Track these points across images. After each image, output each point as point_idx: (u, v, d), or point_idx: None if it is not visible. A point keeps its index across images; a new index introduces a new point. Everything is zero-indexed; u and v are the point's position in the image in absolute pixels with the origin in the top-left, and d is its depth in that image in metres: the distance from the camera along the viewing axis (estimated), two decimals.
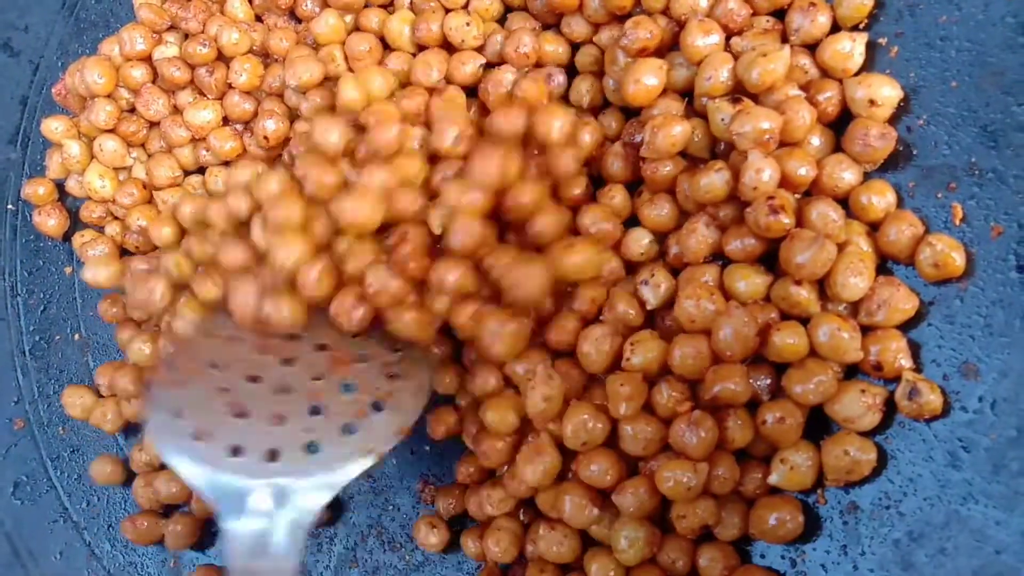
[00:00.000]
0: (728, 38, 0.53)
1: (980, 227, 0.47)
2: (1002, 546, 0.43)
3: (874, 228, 0.49)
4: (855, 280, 0.47)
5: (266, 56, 0.65)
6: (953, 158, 0.48)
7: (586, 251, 0.50)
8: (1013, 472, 0.44)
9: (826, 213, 0.48)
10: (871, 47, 0.51)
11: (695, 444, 0.47)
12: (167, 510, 0.63)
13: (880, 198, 0.49)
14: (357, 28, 0.63)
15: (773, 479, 0.48)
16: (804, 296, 0.48)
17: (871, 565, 0.47)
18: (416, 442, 0.60)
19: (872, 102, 0.49)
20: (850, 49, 0.50)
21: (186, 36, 0.66)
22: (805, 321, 0.48)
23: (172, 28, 0.67)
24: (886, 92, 0.49)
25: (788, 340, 0.47)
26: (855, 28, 0.52)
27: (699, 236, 0.50)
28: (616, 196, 0.55)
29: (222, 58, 0.65)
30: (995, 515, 0.44)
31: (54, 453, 0.68)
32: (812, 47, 0.52)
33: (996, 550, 0.43)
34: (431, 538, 0.56)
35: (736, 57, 0.51)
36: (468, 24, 0.59)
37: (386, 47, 0.63)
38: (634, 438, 0.49)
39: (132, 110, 0.67)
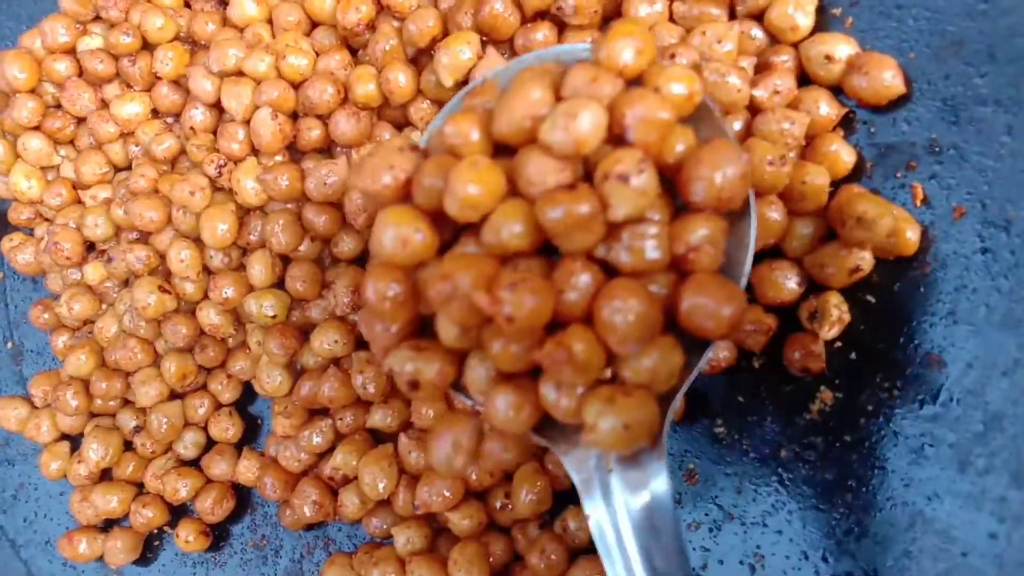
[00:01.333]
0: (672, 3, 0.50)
1: (942, 208, 0.44)
2: (968, 548, 0.41)
3: None
4: None
5: (195, 43, 0.61)
6: (912, 135, 0.45)
7: None
8: (979, 469, 0.41)
9: None
10: (824, 15, 0.48)
11: None
12: (107, 525, 0.60)
13: None
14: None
15: None
16: None
17: (834, 571, 0.44)
18: None
19: (828, 58, 0.46)
20: (792, 10, 0.47)
21: (111, 26, 0.62)
22: None
23: (97, 18, 0.63)
24: (842, 50, 0.46)
25: None
26: None
27: None
28: None
29: (149, 47, 0.61)
30: (961, 516, 0.41)
31: None
32: (759, 18, 0.49)
33: (962, 552, 0.41)
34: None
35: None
36: None
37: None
38: None
39: (58, 105, 0.63)
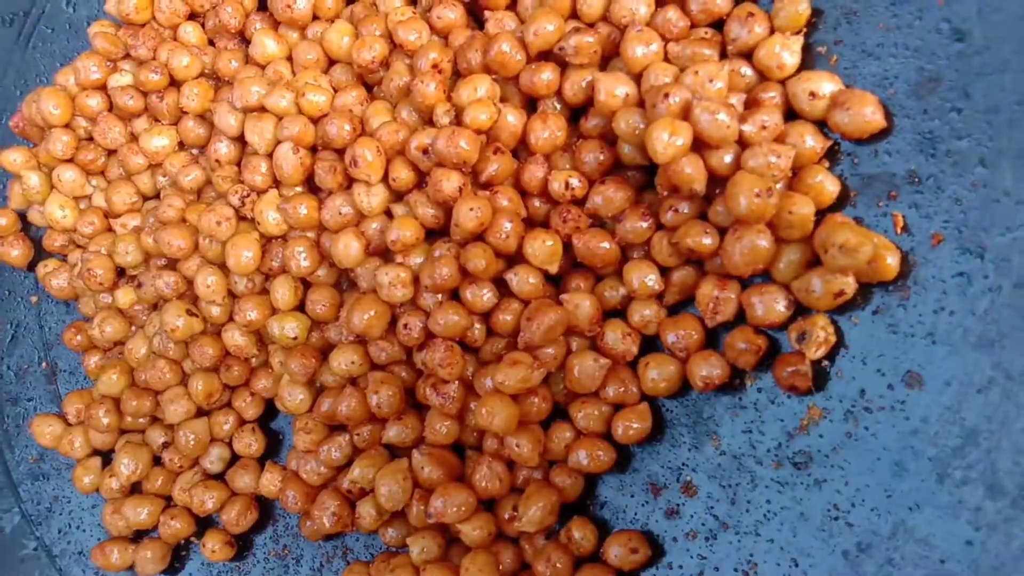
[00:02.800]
0: (667, 44, 0.53)
1: (921, 235, 0.47)
2: (947, 555, 0.43)
3: None
4: None
5: (219, 79, 0.65)
6: (893, 166, 0.48)
7: None
8: (957, 481, 0.44)
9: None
10: (810, 53, 0.51)
11: None
12: (137, 536, 0.64)
13: None
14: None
15: None
16: None
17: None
18: None
19: (812, 94, 0.49)
20: (779, 50, 0.50)
21: (140, 64, 0.66)
22: None
23: (127, 56, 0.67)
24: (826, 87, 0.49)
25: None
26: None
27: None
28: None
29: (175, 83, 0.65)
30: (940, 525, 0.44)
31: (23, 481, 0.69)
32: (749, 56, 0.52)
33: (941, 559, 0.44)
34: None
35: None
36: None
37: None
38: None
39: (90, 139, 0.67)
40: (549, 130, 0.54)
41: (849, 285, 0.46)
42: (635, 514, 0.53)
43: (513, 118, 0.54)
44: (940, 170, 0.47)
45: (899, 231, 0.47)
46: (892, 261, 0.46)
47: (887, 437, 0.46)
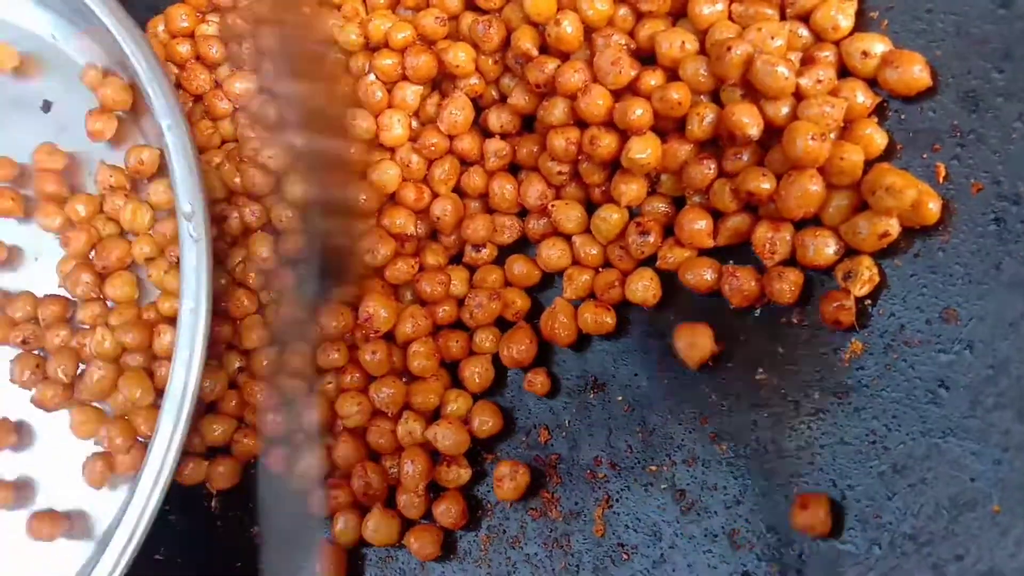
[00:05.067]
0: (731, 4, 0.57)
1: (961, 184, 0.51)
2: (976, 474, 0.47)
3: None
4: None
5: None
6: (937, 122, 0.52)
7: None
8: (988, 407, 0.48)
9: None
10: (863, 18, 0.56)
11: None
12: (210, 452, 0.68)
13: None
14: None
15: None
16: None
17: (857, 496, 0.51)
18: None
19: (865, 53, 0.53)
20: (835, 13, 0.54)
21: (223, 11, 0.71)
22: None
23: (215, 9, 0.72)
24: (877, 47, 0.53)
25: None
26: None
27: None
28: None
29: None
30: (971, 447, 0.48)
31: None
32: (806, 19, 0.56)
33: (971, 478, 0.47)
34: None
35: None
36: None
37: None
38: None
39: (178, 85, 0.72)
40: None
41: (893, 227, 0.50)
42: (682, 440, 0.58)
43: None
44: (981, 125, 0.51)
45: (941, 180, 0.51)
46: (934, 206, 0.50)
47: (924, 368, 0.50)
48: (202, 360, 0.56)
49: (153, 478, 0.55)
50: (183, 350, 0.56)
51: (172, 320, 0.63)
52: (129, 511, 0.55)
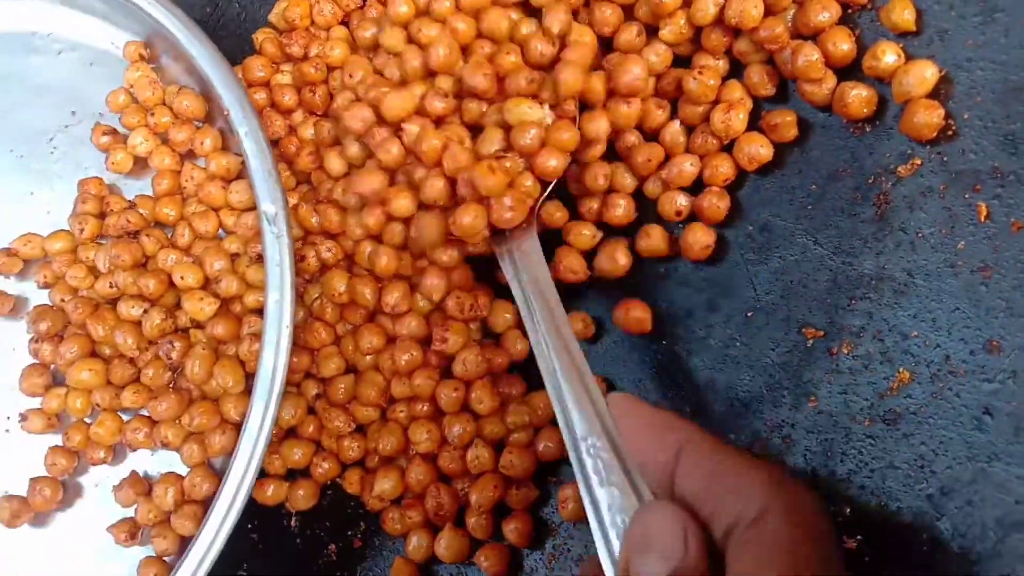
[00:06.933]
0: None
1: (1002, 223, 0.54)
2: (1021, 496, 0.50)
3: None
4: None
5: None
6: (978, 163, 0.55)
7: None
8: None
9: None
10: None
11: None
12: (289, 474, 0.73)
13: None
14: None
15: None
16: None
17: (908, 517, 0.54)
18: None
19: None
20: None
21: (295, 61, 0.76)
22: None
23: (288, 59, 0.77)
24: (928, 72, 0.57)
25: None
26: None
27: None
28: None
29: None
30: (1016, 471, 0.51)
31: None
32: None
33: (1016, 500, 0.50)
34: None
35: None
36: None
37: None
38: None
39: None
40: None
41: None
42: None
43: None
44: (1021, 167, 0.54)
45: (983, 219, 0.55)
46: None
47: (969, 396, 0.53)
48: (289, 344, 0.62)
49: (247, 458, 0.61)
50: (271, 333, 0.62)
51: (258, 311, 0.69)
52: (225, 486, 0.61)
